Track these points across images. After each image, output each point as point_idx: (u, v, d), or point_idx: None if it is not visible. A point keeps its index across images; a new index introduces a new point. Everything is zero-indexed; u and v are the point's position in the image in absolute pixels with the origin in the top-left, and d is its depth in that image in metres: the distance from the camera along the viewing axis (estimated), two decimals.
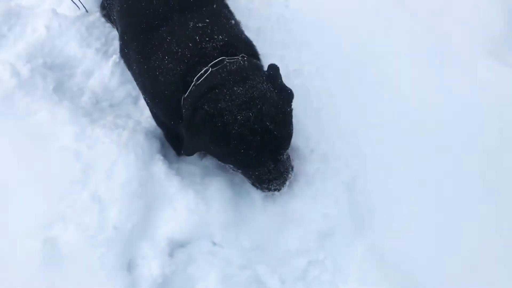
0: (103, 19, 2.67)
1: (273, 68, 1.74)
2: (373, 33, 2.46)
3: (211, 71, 1.67)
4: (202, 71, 1.68)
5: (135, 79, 1.96)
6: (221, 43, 1.74)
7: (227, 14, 1.92)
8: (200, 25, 1.77)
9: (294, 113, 1.73)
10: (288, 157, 1.83)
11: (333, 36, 2.46)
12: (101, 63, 2.46)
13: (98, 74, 2.44)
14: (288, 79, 1.85)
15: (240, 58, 1.72)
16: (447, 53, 2.37)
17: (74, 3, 2.66)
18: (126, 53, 1.94)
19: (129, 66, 1.96)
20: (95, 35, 2.58)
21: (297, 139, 2.03)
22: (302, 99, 1.69)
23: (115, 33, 2.60)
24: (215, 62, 1.69)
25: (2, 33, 2.56)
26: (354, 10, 2.51)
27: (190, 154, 1.82)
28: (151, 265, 1.82)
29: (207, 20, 1.78)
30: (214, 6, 1.88)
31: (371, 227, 1.87)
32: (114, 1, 2.04)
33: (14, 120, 2.14)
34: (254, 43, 1.91)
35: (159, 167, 2.01)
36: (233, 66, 1.68)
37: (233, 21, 1.89)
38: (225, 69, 1.67)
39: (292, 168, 1.85)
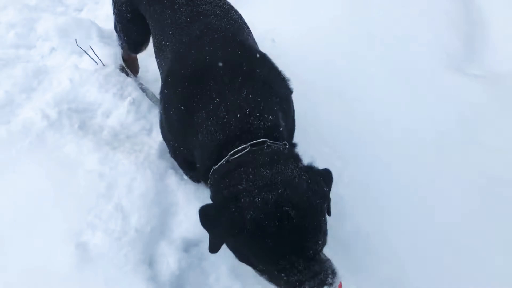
0: (117, 70, 3.11)
1: (326, 172, 1.66)
2: (349, 60, 2.87)
3: (249, 149, 1.58)
4: (240, 148, 1.59)
5: (167, 121, 1.90)
6: (269, 124, 1.64)
7: (278, 87, 1.83)
8: (252, 97, 1.65)
9: None
10: (329, 260, 1.53)
11: (314, 66, 2.87)
12: (118, 104, 2.85)
13: (115, 113, 2.82)
14: None
15: (282, 144, 1.64)
16: (414, 71, 2.76)
17: (93, 59, 3.12)
18: (166, 94, 1.89)
19: (165, 108, 1.89)
20: (111, 82, 2.99)
21: None
22: None
23: (129, 80, 3.04)
24: (257, 142, 1.60)
25: (33, 87, 2.99)
26: (331, 43, 2.94)
27: (215, 251, 1.55)
28: (169, 261, 2.09)
29: (260, 93, 1.68)
30: (266, 71, 1.81)
31: (356, 214, 2.14)
32: (164, 48, 2.03)
33: (46, 153, 2.50)
34: None
35: (172, 179, 2.34)
36: (269, 149, 1.59)
37: (279, 98, 1.78)
38: (260, 151, 1.57)
39: (334, 272, 1.49)
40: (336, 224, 2.14)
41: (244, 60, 1.78)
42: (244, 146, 1.57)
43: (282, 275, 1.45)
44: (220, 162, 1.59)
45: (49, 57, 3.34)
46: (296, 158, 1.64)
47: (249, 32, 2.12)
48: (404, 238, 2.06)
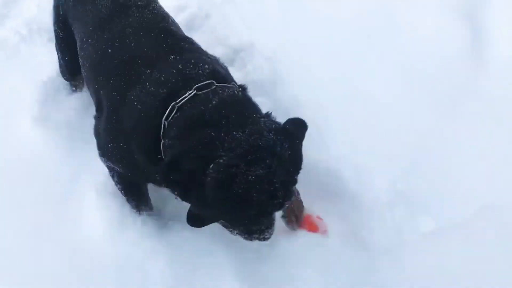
0: None
1: (300, 123, 1.54)
2: None
3: (195, 93, 1.51)
4: (186, 94, 1.51)
5: (107, 122, 1.75)
6: (207, 70, 1.60)
7: (204, 51, 1.81)
8: (180, 58, 1.65)
9: None
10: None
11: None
12: None
13: None
14: None
15: (231, 85, 1.58)
16: None
17: None
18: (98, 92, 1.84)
19: (100, 105, 1.82)
20: None
21: None
22: None
23: None
24: (202, 85, 1.52)
25: (4, 14, 3.28)
26: None
27: (201, 226, 1.59)
28: None
29: (189, 53, 1.69)
30: (192, 44, 1.82)
31: (289, 81, 2.51)
32: (86, 46, 1.97)
33: (21, 61, 2.88)
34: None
35: None
36: (225, 94, 1.51)
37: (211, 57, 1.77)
38: (216, 95, 1.49)
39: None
40: (277, 90, 2.52)
41: (167, 46, 1.75)
42: (190, 92, 1.51)
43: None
44: (172, 112, 1.51)
45: None
46: (254, 105, 1.59)
47: (173, 22, 2.06)
48: (330, 100, 2.43)
